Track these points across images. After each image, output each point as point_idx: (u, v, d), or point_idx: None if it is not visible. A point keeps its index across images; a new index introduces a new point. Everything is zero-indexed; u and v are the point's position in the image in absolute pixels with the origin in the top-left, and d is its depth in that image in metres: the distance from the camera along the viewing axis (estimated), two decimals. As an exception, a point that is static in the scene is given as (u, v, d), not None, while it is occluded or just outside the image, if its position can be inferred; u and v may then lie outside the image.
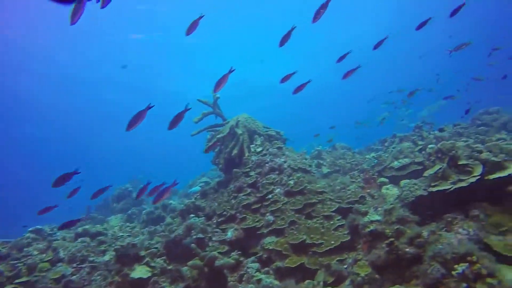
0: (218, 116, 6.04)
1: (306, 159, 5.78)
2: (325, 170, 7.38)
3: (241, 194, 4.94)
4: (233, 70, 3.93)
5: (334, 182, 5.39)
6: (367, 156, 7.43)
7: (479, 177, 3.48)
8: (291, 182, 4.83)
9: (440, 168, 3.78)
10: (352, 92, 32.53)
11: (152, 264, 3.81)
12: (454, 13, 4.77)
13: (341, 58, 4.95)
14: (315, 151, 7.87)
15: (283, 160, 5.25)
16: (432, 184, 3.79)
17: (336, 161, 7.55)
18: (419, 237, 3.00)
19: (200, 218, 4.74)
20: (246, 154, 5.49)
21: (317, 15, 4.05)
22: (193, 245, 4.01)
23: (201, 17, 4.02)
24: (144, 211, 7.80)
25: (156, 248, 4.51)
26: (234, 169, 5.30)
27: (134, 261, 3.75)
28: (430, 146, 3.95)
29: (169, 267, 3.79)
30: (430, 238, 3.01)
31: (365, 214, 4.01)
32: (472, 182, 3.49)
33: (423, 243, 2.96)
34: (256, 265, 3.92)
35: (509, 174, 3.41)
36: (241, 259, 4.09)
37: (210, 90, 6.01)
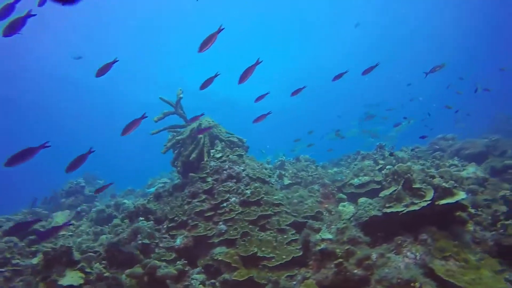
0: (181, 117, 5.79)
1: (266, 169, 5.66)
2: (286, 181, 7.32)
3: (195, 200, 4.72)
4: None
5: (293, 195, 5.32)
6: (330, 171, 7.47)
7: (430, 201, 3.52)
8: (248, 191, 4.69)
9: (395, 190, 3.80)
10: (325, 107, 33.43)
11: (88, 270, 3.48)
12: (366, 72, 5.24)
13: (296, 91, 5.08)
14: (278, 161, 7.80)
15: (242, 168, 5.10)
16: (387, 205, 3.79)
17: (298, 173, 7.51)
18: (368, 259, 2.95)
19: (148, 222, 4.47)
20: (205, 159, 5.29)
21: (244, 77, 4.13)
22: (136, 250, 3.74)
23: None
24: (93, 209, 7.33)
25: (97, 251, 4.18)
26: (191, 174, 5.07)
27: (67, 266, 3.41)
28: (387, 167, 3.98)
29: (106, 274, 3.49)
30: (378, 261, 2.97)
31: (318, 231, 3.94)
32: (423, 206, 3.52)
33: (371, 266, 2.92)
34: (202, 276, 3.72)
35: (457, 201, 3.48)
36: (187, 269, 3.87)
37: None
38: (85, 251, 3.91)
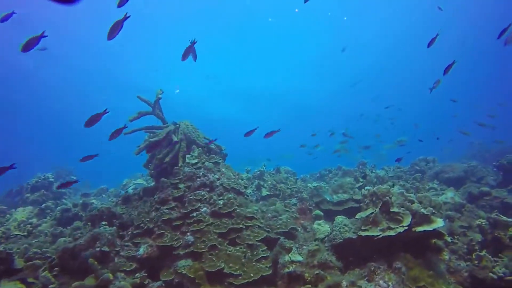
0: (158, 118, 5.52)
1: (242, 179, 5.44)
2: (264, 192, 7.12)
3: (164, 207, 4.44)
4: (128, 16, 3.82)
5: (268, 208, 5.11)
6: (309, 185, 7.31)
7: (407, 227, 3.38)
8: (221, 202, 4.45)
9: (372, 213, 3.65)
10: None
11: (30, 280, 3.15)
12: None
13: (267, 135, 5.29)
14: (258, 171, 7.59)
15: (216, 176, 4.87)
16: (363, 228, 3.63)
17: (277, 184, 7.32)
18: (338, 287, 2.76)
19: (111, 228, 4.16)
20: (180, 164, 5.03)
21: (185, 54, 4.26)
22: (90, 259, 3.43)
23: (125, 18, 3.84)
24: (58, 207, 6.90)
25: (49, 257, 3.84)
26: (162, 179, 4.80)
27: (5, 275, 3.06)
28: (366, 187, 3.84)
29: (52, 286, 3.16)
30: (348, 289, 2.79)
31: (289, 250, 3.73)
32: (399, 232, 3.37)
33: (340, 294, 2.73)
34: (160, 293, 3.43)
35: (434, 229, 3.35)
36: (146, 282, 3.58)
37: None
38: (30, 258, 3.56)
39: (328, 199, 6.04)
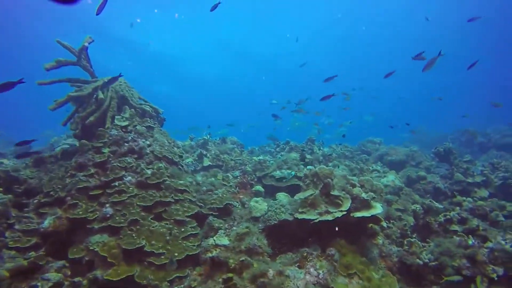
0: (85, 70, 4.71)
1: (178, 147, 4.92)
2: (206, 162, 6.68)
3: (81, 174, 3.83)
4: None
5: (204, 181, 4.70)
6: (254, 158, 6.99)
7: (345, 212, 3.18)
8: (149, 171, 3.94)
9: (311, 194, 3.39)
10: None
11: None
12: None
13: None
14: (201, 139, 7.09)
15: (147, 143, 4.31)
16: (300, 210, 3.37)
17: (221, 155, 6.91)
18: (264, 276, 2.47)
19: (4, 196, 3.47)
20: (107, 125, 4.37)
21: None
22: (-29, 234, 2.80)
23: None
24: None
25: None
26: (82, 141, 4.13)
27: None
28: (308, 167, 3.55)
29: None
30: (275, 279, 2.51)
31: (217, 230, 3.39)
32: (337, 217, 3.16)
33: (266, 285, 2.44)
34: (57, 276, 2.92)
35: (372, 215, 3.18)
36: (42, 262, 3.03)
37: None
38: None
39: (274, 175, 5.79)
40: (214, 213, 4.03)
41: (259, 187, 5.31)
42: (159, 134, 4.63)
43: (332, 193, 3.34)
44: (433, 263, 3.28)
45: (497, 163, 7.56)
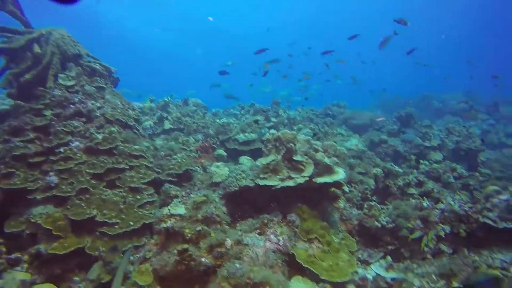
0: (14, 17, 4.07)
1: (133, 109, 4.55)
2: (167, 125, 6.34)
3: (18, 139, 3.41)
4: None
5: (163, 146, 4.42)
6: (218, 121, 6.72)
7: (307, 178, 3.10)
8: (99, 136, 3.60)
9: (273, 160, 3.26)
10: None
11: None
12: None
13: None
14: (162, 101, 6.67)
15: (98, 105, 3.91)
16: (261, 176, 3.25)
17: (183, 118, 6.58)
18: (221, 246, 2.35)
19: None
20: (48, 85, 3.88)
21: None
22: None
23: None
24: None
25: None
26: (17, 101, 3.65)
27: None
28: (270, 131, 3.39)
29: None
30: (232, 249, 2.40)
31: (174, 197, 3.20)
32: (300, 183, 3.07)
33: (223, 255, 2.33)
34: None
35: (335, 181, 3.13)
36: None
37: None
38: None
39: (238, 138, 5.61)
40: (172, 179, 3.82)
41: (221, 151, 5.13)
42: (111, 96, 4.21)
43: (294, 158, 3.23)
44: (390, 225, 3.36)
45: (452, 128, 7.89)
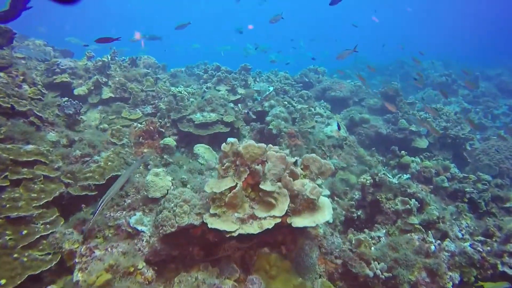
0: None
1: (35, 84, 3.15)
2: (106, 93, 4.95)
3: None
4: None
5: (85, 136, 3.15)
6: (172, 89, 5.37)
7: (279, 220, 2.09)
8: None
9: (231, 188, 2.18)
10: None
11: None
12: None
13: None
14: (100, 61, 5.18)
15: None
16: (211, 212, 2.17)
17: (128, 83, 5.19)
18: None
19: None
20: None
21: None
22: None
23: None
24: None
25: None
26: None
27: None
28: (228, 140, 2.24)
29: None
30: None
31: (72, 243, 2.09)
32: (266, 229, 2.06)
33: None
34: None
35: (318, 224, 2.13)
36: None
37: None
38: None
39: (193, 118, 4.41)
40: (89, 193, 2.67)
41: (169, 140, 3.96)
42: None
43: (262, 186, 2.17)
44: (386, 275, 2.50)
45: (439, 109, 7.11)
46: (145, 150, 3.85)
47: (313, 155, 2.56)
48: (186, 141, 4.43)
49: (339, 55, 4.97)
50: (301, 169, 2.52)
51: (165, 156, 3.75)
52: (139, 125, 4.06)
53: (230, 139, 2.30)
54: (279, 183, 2.22)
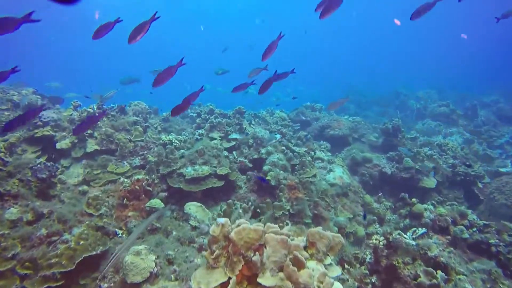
0: None
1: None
2: (91, 146, 4.60)
3: None
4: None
5: (59, 209, 2.75)
6: (163, 138, 5.04)
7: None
8: None
9: (222, 283, 1.76)
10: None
11: None
12: None
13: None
14: (85, 111, 4.88)
15: None
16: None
17: (115, 133, 4.86)
18: None
19: None
20: None
21: None
22: None
23: None
24: None
25: None
26: None
27: None
28: (217, 220, 1.87)
29: None
30: None
31: None
32: None
33: None
34: None
35: None
36: None
37: None
38: None
39: (183, 173, 4.03)
40: (52, 286, 2.22)
41: (156, 201, 3.55)
42: None
43: (261, 280, 1.76)
44: None
45: (444, 144, 6.80)
46: (129, 214, 3.43)
47: (320, 229, 2.16)
48: (176, 197, 4.03)
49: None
50: (306, 247, 2.12)
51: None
52: (126, 180, 3.66)
53: (219, 220, 1.92)
54: (281, 274, 1.80)
